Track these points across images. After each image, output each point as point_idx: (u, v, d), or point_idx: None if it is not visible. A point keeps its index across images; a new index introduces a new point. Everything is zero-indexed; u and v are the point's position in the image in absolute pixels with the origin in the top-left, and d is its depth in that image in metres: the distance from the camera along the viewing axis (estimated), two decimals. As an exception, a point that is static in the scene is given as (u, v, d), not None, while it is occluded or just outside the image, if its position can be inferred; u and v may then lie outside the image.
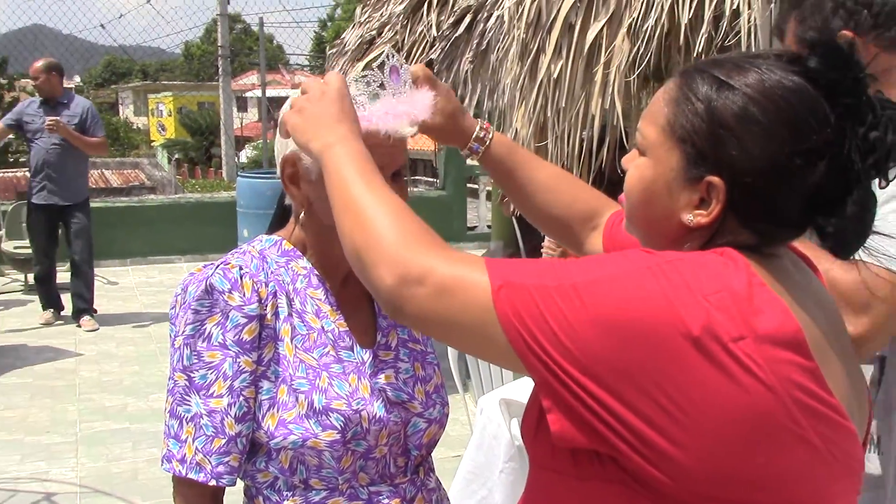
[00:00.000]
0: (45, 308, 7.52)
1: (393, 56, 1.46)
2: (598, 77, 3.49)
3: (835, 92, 1.03)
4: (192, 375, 1.44)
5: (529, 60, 3.74)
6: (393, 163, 1.46)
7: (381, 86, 1.45)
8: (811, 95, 1.03)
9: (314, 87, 1.33)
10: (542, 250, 4.46)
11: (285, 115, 1.36)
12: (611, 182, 4.60)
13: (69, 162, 7.04)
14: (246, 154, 23.68)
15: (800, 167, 1.02)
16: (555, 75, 3.61)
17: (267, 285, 1.48)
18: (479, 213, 12.22)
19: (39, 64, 7.14)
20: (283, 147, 1.52)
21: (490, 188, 10.85)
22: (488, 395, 3.41)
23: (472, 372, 3.95)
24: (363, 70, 1.47)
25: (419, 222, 1.15)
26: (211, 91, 25.35)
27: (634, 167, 1.16)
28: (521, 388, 3.40)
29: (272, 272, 1.51)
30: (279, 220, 1.64)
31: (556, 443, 1.04)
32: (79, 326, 7.31)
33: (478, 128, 1.61)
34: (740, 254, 1.05)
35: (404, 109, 1.44)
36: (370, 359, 1.53)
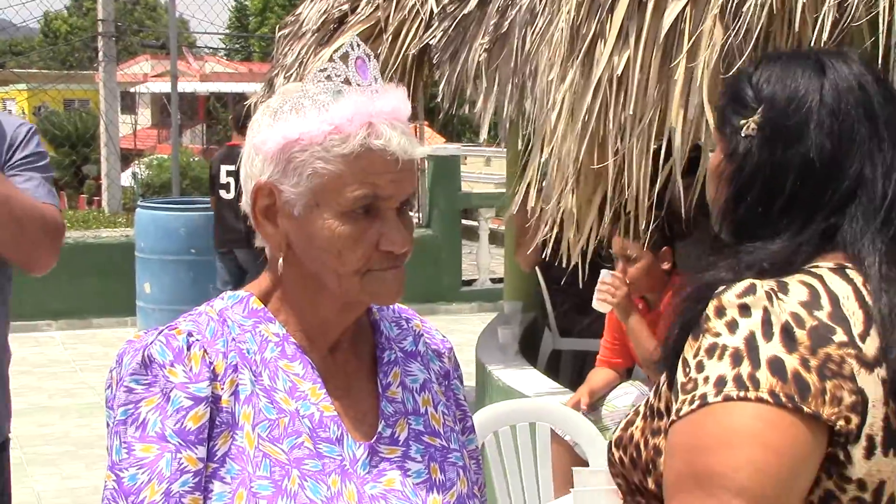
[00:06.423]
0: None
1: (358, 45, 1.61)
2: (680, 74, 3.57)
3: None
4: (122, 475, 1.51)
5: (583, 51, 3.81)
6: (400, 192, 1.58)
7: (346, 81, 1.59)
8: None
9: None
10: (596, 295, 4.48)
11: None
12: (672, 214, 4.64)
13: None
14: (137, 175, 22.84)
15: None
16: (619, 71, 3.69)
17: (226, 356, 1.57)
18: (479, 262, 12.13)
19: None
20: (253, 169, 1.59)
21: (497, 226, 10.76)
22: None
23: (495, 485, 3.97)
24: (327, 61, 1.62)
25: None
26: (84, 84, 25.23)
27: None
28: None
29: (234, 339, 1.59)
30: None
31: None
32: None
33: None
34: None
35: (378, 110, 1.56)
36: (365, 455, 1.61)
